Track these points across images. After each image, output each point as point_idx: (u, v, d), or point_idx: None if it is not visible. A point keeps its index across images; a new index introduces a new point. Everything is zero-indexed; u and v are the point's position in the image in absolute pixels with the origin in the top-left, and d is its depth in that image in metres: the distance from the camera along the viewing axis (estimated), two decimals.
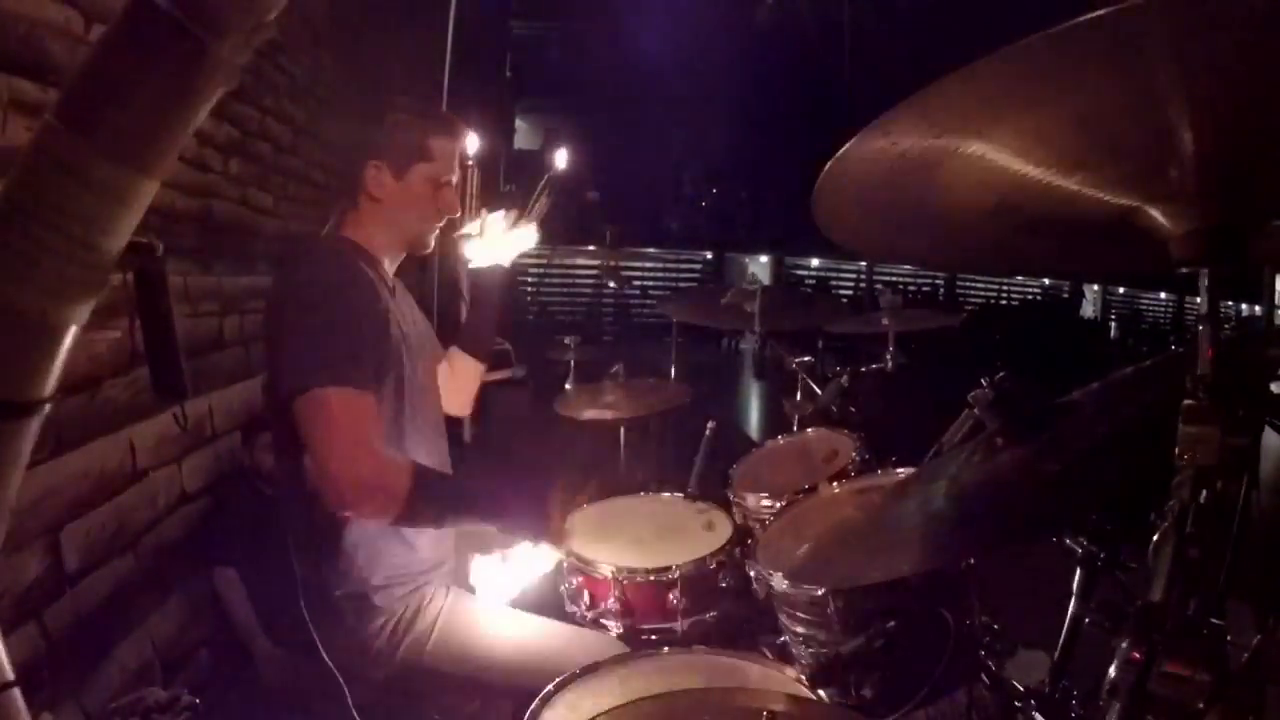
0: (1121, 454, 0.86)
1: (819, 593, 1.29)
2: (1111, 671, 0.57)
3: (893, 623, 1.23)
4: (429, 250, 1.56)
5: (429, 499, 1.32)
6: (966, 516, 0.92)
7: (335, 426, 1.25)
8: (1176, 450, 0.65)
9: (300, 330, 1.30)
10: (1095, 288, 12.19)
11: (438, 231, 1.55)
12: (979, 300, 11.74)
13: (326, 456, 1.25)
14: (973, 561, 1.25)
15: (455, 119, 1.55)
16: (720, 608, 1.60)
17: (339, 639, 1.39)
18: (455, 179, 1.53)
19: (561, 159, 1.94)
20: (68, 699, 1.56)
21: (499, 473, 1.40)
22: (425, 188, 1.47)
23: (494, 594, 1.45)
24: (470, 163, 2.65)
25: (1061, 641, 1.03)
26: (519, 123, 6.37)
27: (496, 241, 1.77)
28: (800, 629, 1.32)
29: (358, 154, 1.45)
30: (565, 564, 1.63)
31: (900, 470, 1.60)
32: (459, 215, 1.57)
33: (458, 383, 1.81)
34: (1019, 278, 11.52)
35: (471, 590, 1.51)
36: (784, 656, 1.25)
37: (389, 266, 1.53)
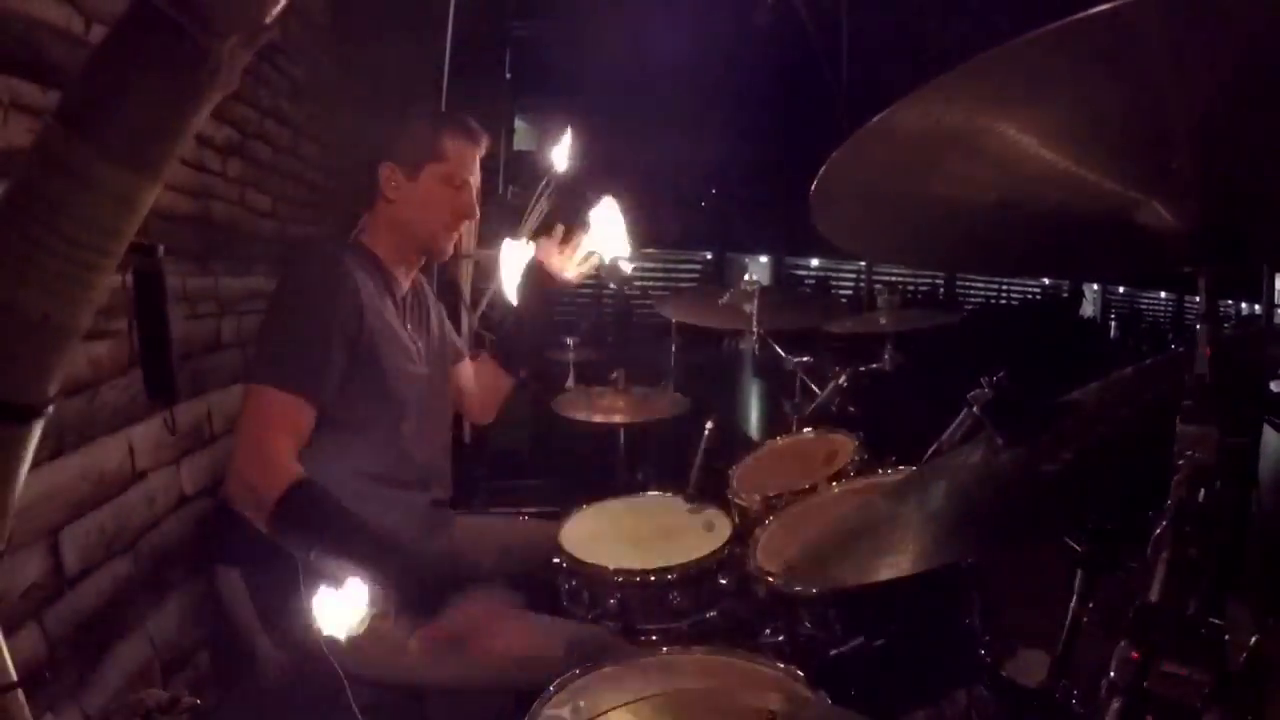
0: (1121, 454, 0.86)
1: (818, 592, 1.30)
2: (1111, 671, 0.57)
3: (893, 623, 1.23)
4: (446, 256, 1.54)
5: (298, 517, 1.23)
6: (966, 516, 0.92)
7: (254, 422, 1.27)
8: (1176, 450, 0.65)
9: (267, 328, 1.35)
10: (1095, 288, 12.18)
11: (455, 237, 1.54)
12: (979, 300, 11.71)
13: (236, 447, 1.29)
14: (973, 561, 1.25)
15: (474, 124, 1.51)
16: (720, 608, 1.60)
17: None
18: (474, 181, 1.51)
19: (561, 159, 1.92)
20: (68, 700, 1.56)
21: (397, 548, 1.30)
22: (438, 188, 1.46)
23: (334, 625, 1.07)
24: None
25: (1061, 641, 1.03)
26: (519, 123, 6.35)
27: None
28: (800, 629, 1.32)
29: (372, 156, 1.46)
30: (564, 564, 1.63)
31: (900, 470, 1.61)
32: (475, 219, 1.56)
33: (482, 392, 1.79)
34: (1019, 278, 11.51)
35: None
36: (784, 656, 1.25)
37: (403, 275, 1.53)
